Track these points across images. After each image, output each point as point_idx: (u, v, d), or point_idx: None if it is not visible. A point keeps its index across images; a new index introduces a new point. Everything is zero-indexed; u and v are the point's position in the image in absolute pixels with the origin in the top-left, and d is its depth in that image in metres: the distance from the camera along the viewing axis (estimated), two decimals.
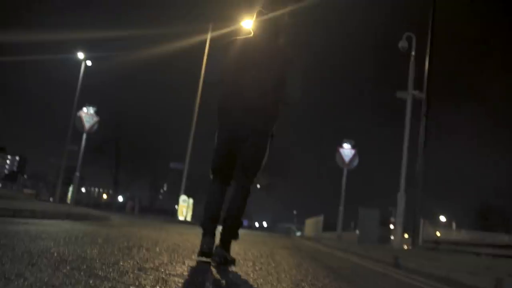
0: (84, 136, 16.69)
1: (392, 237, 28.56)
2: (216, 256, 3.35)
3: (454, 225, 38.58)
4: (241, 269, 3.48)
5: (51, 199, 39.96)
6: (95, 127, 16.09)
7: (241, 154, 3.51)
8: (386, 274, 5.39)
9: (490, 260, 8.69)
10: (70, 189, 39.07)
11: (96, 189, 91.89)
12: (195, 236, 7.99)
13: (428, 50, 14.49)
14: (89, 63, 28.96)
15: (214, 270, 3.17)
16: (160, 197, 71.67)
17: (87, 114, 15.78)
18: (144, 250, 3.76)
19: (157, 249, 4.08)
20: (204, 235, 3.47)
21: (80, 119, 15.53)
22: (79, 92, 25.83)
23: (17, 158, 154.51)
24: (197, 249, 3.51)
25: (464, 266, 5.73)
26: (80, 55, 29.16)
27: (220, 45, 3.84)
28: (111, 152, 52.68)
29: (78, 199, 50.64)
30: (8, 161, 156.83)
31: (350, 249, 10.69)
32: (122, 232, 6.38)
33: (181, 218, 22.31)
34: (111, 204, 53.41)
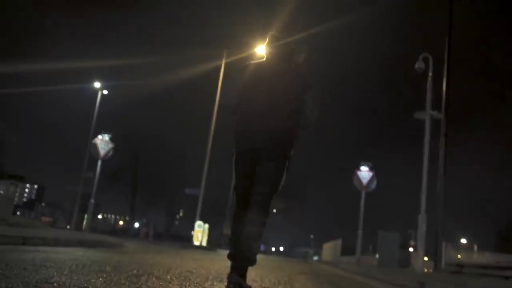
0: (99, 162, 16.67)
1: (412, 261, 27.84)
2: (231, 283, 3.21)
3: (475, 247, 37.50)
4: None
5: (68, 226, 39.96)
6: (110, 153, 16.09)
7: (258, 177, 3.44)
8: None
9: None
10: (85, 216, 39.40)
11: (113, 216, 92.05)
12: (210, 262, 7.77)
13: (445, 70, 14.29)
14: (105, 92, 29.34)
15: None
16: (176, 223, 71.42)
17: (102, 141, 15.81)
18: (153, 278, 3.58)
19: (168, 277, 3.89)
20: (232, 270, 3.30)
21: (95, 146, 15.55)
22: (95, 120, 26.11)
23: (36, 186, 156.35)
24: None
25: None
26: (97, 84, 29.57)
27: (236, 69, 3.95)
28: (127, 179, 52.92)
29: (94, 226, 50.76)
30: (26, 190, 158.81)
31: (370, 273, 10.31)
32: (135, 259, 6.20)
33: (196, 243, 22.04)
34: (127, 231, 53.33)
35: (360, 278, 9.08)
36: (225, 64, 23.08)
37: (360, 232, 17.04)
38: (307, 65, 3.72)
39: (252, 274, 4.53)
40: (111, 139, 16.19)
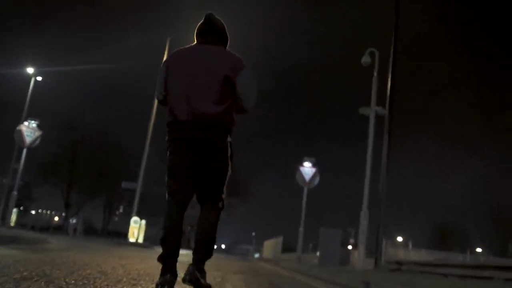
0: (24, 152, 15.24)
1: (352, 259, 28.06)
2: (187, 275, 3.07)
3: (410, 245, 38.62)
4: None
5: None
6: (37, 142, 14.69)
7: (201, 170, 3.23)
8: None
9: (462, 282, 8.08)
10: (14, 210, 36.81)
11: (48, 212, 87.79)
12: (139, 261, 6.98)
13: (390, 66, 14.18)
14: (39, 78, 27.45)
15: None
16: (116, 219, 68.87)
17: (28, 128, 14.40)
18: (43, 283, 2.82)
19: (67, 280, 3.12)
20: (163, 272, 3.07)
21: (20, 133, 14.11)
22: (27, 108, 24.23)
23: None
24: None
25: None
26: (30, 70, 27.64)
27: (166, 60, 3.53)
28: (64, 172, 50.22)
29: (25, 222, 47.80)
30: None
31: (312, 272, 9.88)
32: (46, 257, 5.32)
33: (132, 240, 20.97)
34: (62, 227, 50.62)
35: (302, 277, 8.59)
36: (169, 51, 22.14)
37: (301, 229, 16.69)
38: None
39: (181, 273, 3.84)
40: (39, 126, 14.79)
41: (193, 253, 3.23)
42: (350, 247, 41.35)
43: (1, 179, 15.98)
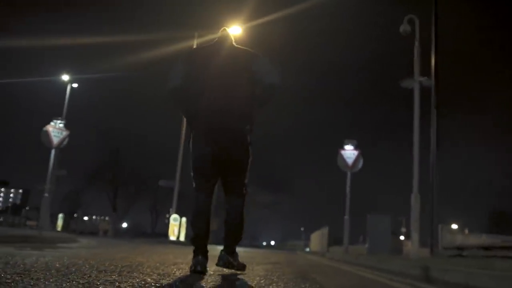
0: (53, 152, 14.99)
1: (404, 249, 26.52)
2: (220, 259, 3.49)
3: (466, 231, 36.44)
4: None
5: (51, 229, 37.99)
6: (65, 142, 14.40)
7: (225, 159, 3.40)
8: None
9: None
10: (60, 216, 37.52)
11: (98, 217, 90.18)
12: (172, 256, 6.24)
13: (433, 31, 12.88)
14: (75, 85, 27.59)
15: None
16: (166, 221, 69.64)
17: (55, 128, 14.12)
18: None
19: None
20: (196, 254, 3.37)
21: (47, 134, 13.83)
22: (65, 115, 24.27)
23: (20, 191, 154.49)
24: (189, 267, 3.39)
25: None
26: (65, 77, 27.83)
27: (182, 56, 3.75)
28: (108, 178, 51.05)
29: (76, 228, 48.82)
30: (11, 195, 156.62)
31: (360, 261, 8.85)
32: (60, 256, 4.66)
33: (172, 238, 20.49)
34: (112, 231, 51.38)
35: (347, 267, 7.58)
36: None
37: (346, 217, 15.54)
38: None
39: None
40: (65, 126, 14.51)
41: (224, 240, 3.54)
42: (402, 237, 39.58)
43: (42, 186, 15.96)
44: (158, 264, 4.08)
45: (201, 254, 3.31)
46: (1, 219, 52.76)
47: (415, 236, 11.91)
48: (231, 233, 3.53)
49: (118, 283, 2.35)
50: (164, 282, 2.60)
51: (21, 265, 2.94)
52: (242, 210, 3.54)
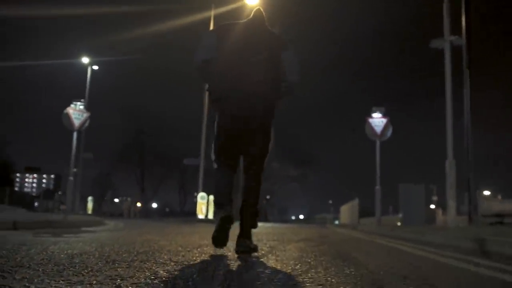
0: (75, 135, 14.80)
1: (437, 218, 25.82)
2: (240, 246, 3.37)
3: (499, 197, 35.30)
4: None
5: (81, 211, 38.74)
6: (87, 123, 14.20)
7: (246, 140, 3.45)
8: (493, 276, 2.83)
9: None
10: (89, 199, 38.04)
11: (128, 198, 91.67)
12: (197, 236, 5.91)
13: None
14: (95, 67, 27.52)
15: None
16: (195, 200, 70.15)
17: (76, 110, 13.91)
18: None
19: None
20: (219, 207, 3.42)
21: (67, 116, 13.62)
22: (87, 98, 24.19)
23: (52, 176, 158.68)
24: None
25: None
26: (85, 60, 27.73)
27: (213, 29, 3.77)
28: (135, 160, 51.44)
29: (107, 210, 49.62)
30: (44, 180, 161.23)
31: (396, 233, 8.35)
32: (75, 242, 4.36)
33: (200, 216, 20.33)
34: (142, 212, 52.09)
35: (383, 241, 7.11)
36: (214, 17, 20.99)
37: (378, 187, 14.97)
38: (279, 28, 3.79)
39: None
40: (86, 108, 14.28)
41: (240, 224, 3.44)
42: (433, 206, 38.73)
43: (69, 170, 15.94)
44: (180, 248, 3.72)
45: (226, 205, 3.36)
46: (36, 204, 54.09)
47: (451, 204, 11.34)
48: (250, 216, 3.46)
49: (120, 279, 1.95)
50: (178, 275, 2.19)
51: (18, 258, 2.58)
52: (259, 190, 3.54)
